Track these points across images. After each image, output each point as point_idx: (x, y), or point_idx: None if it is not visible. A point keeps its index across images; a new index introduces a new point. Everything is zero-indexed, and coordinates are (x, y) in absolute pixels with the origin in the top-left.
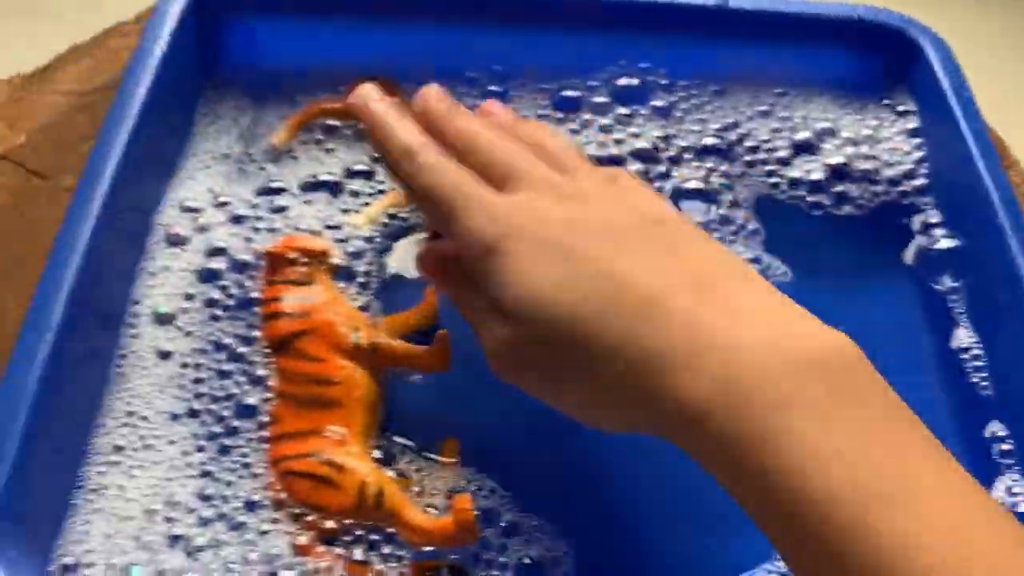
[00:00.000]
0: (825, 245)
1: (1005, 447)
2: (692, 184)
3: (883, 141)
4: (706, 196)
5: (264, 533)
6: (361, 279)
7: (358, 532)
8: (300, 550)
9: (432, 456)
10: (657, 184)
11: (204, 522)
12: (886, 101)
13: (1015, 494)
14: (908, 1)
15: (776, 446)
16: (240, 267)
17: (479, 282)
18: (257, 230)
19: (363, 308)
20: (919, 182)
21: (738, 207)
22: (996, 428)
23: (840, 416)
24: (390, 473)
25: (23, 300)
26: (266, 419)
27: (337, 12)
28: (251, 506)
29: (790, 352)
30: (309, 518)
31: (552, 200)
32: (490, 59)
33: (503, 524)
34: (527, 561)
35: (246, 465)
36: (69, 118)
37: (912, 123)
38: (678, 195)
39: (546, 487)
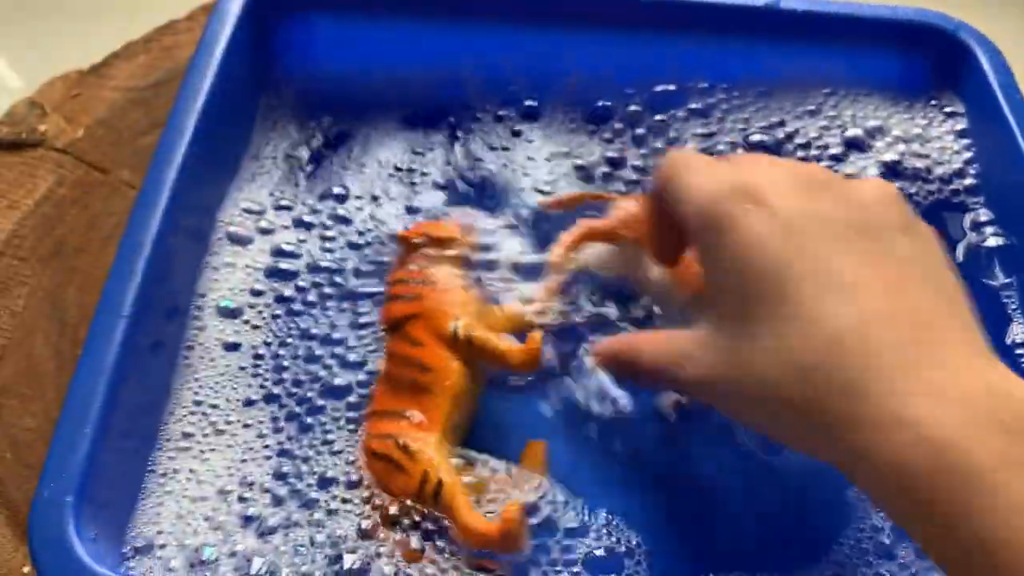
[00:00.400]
0: None
1: None
2: None
3: (932, 140)
4: None
5: (332, 512)
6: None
7: (417, 519)
8: (364, 533)
9: (512, 463)
10: None
11: (277, 501)
12: (934, 102)
13: None
14: (960, 3)
15: (984, 508)
16: (309, 268)
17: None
18: (322, 236)
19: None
20: (969, 181)
21: None
22: None
23: None
24: (467, 478)
25: (85, 289)
26: (354, 400)
27: (389, 14)
28: (325, 483)
29: (996, 414)
30: (377, 501)
31: (785, 175)
32: (532, 63)
33: (569, 524)
34: (600, 553)
35: (327, 442)
36: (125, 113)
37: (960, 124)
38: None
39: (608, 485)
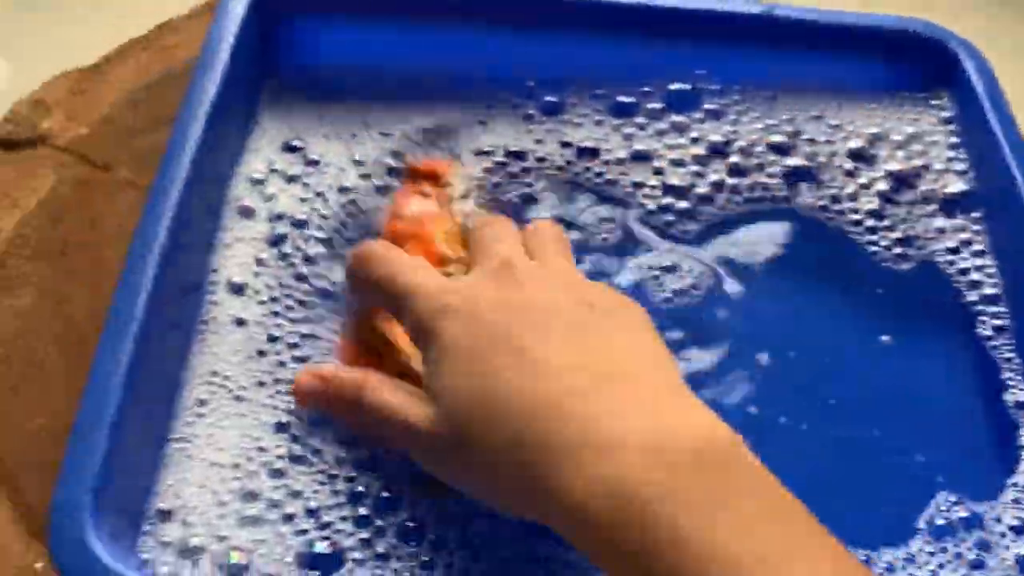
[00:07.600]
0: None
1: None
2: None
3: (927, 144)
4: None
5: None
6: None
7: None
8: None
9: None
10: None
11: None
12: (927, 104)
13: None
14: (947, 13)
15: (656, 541)
16: (302, 224)
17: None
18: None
19: None
20: (962, 186)
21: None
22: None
23: (714, 509)
24: None
25: (88, 287)
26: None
27: (393, 15)
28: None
29: (665, 444)
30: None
31: (494, 281)
32: (542, 67)
33: None
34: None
35: None
36: (126, 111)
37: (952, 126)
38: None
39: None
